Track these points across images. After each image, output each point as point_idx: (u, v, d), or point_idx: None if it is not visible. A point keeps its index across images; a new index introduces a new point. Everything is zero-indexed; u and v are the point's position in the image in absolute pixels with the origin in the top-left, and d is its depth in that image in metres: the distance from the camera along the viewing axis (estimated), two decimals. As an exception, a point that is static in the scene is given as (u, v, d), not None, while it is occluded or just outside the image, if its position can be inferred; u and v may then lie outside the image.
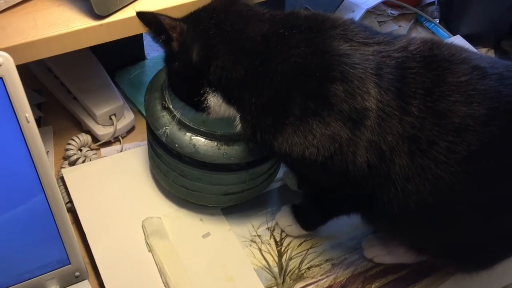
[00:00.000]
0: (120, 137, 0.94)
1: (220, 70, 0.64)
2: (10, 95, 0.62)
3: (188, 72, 0.66)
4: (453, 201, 0.62)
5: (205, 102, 0.68)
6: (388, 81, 0.59)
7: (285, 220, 0.82)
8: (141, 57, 1.06)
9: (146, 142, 0.93)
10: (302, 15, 0.66)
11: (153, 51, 1.08)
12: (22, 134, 0.63)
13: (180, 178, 0.78)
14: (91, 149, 0.92)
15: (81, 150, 0.91)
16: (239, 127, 0.68)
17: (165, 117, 0.75)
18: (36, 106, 0.97)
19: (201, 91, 0.67)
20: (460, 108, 0.58)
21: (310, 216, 0.80)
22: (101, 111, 0.90)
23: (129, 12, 0.70)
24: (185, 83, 0.68)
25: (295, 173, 0.78)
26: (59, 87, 0.95)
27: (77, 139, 0.90)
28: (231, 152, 0.73)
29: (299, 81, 0.61)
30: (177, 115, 0.73)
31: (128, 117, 0.94)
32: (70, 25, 0.67)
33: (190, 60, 0.65)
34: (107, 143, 0.94)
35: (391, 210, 0.64)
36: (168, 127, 0.74)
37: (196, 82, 0.67)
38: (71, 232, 0.70)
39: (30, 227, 0.69)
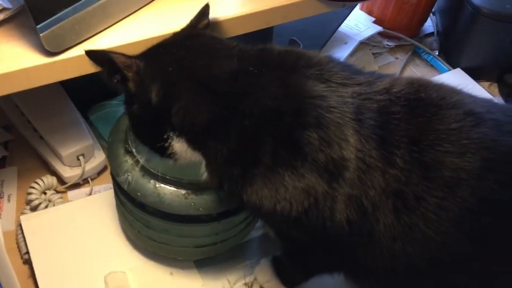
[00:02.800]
0: (89, 179, 0.87)
1: (183, 112, 0.57)
2: None
3: (148, 114, 0.59)
4: (445, 264, 0.54)
5: (170, 148, 0.60)
6: (369, 128, 0.52)
7: (264, 275, 0.74)
8: (117, 91, 0.99)
9: (116, 184, 0.86)
10: (275, 51, 0.59)
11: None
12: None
13: (145, 229, 0.70)
14: (57, 192, 0.85)
15: (45, 194, 0.83)
16: (205, 175, 0.60)
17: (128, 162, 0.67)
18: (2, 144, 0.90)
19: (164, 136, 0.59)
20: (451, 160, 0.50)
21: (291, 272, 0.72)
22: (67, 151, 0.83)
23: (87, 47, 0.64)
24: (147, 127, 0.61)
25: (269, 226, 0.70)
26: (26, 125, 0.88)
27: (40, 182, 0.83)
28: (200, 202, 0.65)
29: (270, 126, 0.54)
30: (140, 160, 0.66)
31: (98, 157, 0.87)
32: (20, 63, 0.61)
33: (150, 101, 0.57)
34: (75, 186, 0.86)
35: (376, 271, 0.55)
36: (131, 173, 0.67)
37: (158, 126, 0.59)
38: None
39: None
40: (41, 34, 0.58)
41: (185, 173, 0.66)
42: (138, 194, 0.66)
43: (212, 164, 0.58)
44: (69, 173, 0.84)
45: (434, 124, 0.51)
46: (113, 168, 0.68)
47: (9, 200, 0.84)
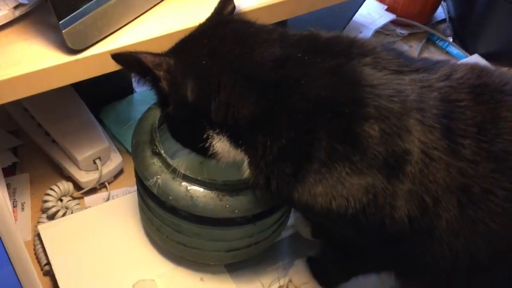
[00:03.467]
0: (106, 183, 0.83)
1: (224, 107, 0.52)
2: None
3: (185, 114, 0.55)
4: (509, 259, 0.51)
5: (211, 148, 0.56)
6: (432, 117, 0.48)
7: (300, 276, 0.71)
8: (129, 90, 0.95)
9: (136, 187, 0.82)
10: (323, 37, 0.54)
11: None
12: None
13: (175, 234, 0.67)
14: (73, 199, 0.81)
15: (61, 201, 0.79)
16: (247, 173, 0.56)
17: (156, 164, 0.64)
18: (11, 150, 0.86)
19: (204, 136, 0.55)
20: None
21: (331, 273, 0.69)
22: (83, 155, 0.79)
23: (110, 44, 0.60)
24: (185, 128, 0.57)
25: (317, 225, 0.66)
26: (36, 129, 0.84)
27: (56, 188, 0.79)
28: (235, 204, 0.62)
29: (325, 118, 0.50)
30: (170, 162, 0.62)
31: (115, 160, 0.83)
32: (38, 63, 0.57)
33: (185, 99, 0.53)
34: (92, 191, 0.82)
35: (434, 269, 0.52)
36: (160, 176, 0.63)
37: (196, 126, 0.55)
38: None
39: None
40: (63, 31, 0.54)
41: (219, 173, 0.63)
42: (170, 198, 0.62)
43: (258, 162, 0.53)
44: (86, 178, 0.80)
45: (501, 111, 0.48)
46: (140, 171, 0.64)
47: (23, 209, 0.80)
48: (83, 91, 0.85)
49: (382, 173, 0.48)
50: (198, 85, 0.53)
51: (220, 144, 0.54)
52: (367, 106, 0.48)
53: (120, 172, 0.85)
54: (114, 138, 0.89)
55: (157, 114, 0.67)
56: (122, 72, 0.91)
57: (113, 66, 0.62)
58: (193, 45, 0.55)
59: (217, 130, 0.54)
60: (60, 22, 0.54)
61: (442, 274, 0.53)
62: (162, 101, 0.56)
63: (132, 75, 0.57)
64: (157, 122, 0.66)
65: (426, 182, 0.48)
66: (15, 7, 0.57)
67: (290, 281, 0.72)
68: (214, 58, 0.53)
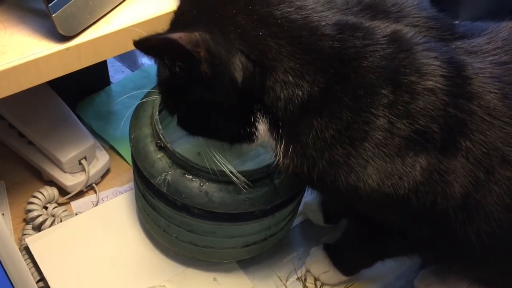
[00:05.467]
0: (94, 185, 0.75)
1: (280, 86, 0.45)
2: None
3: (231, 98, 0.46)
4: None
5: (255, 134, 0.48)
6: (489, 82, 0.45)
7: (319, 266, 0.67)
8: (105, 81, 0.88)
9: (127, 187, 0.76)
10: None
11: (118, 73, 0.89)
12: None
13: (186, 234, 0.61)
14: (59, 205, 0.73)
15: (46, 208, 0.71)
16: (280, 160, 0.49)
17: (162, 160, 0.57)
18: (-21, 156, 0.77)
19: (247, 121, 0.47)
20: None
21: (353, 259, 0.65)
22: (67, 157, 0.71)
23: (104, 27, 0.52)
24: (226, 115, 0.48)
25: (346, 209, 0.61)
26: (8, 131, 0.75)
27: (40, 195, 0.71)
28: (255, 196, 0.57)
29: (386, 92, 0.44)
30: (179, 156, 0.56)
31: (101, 159, 0.76)
32: (26, 54, 0.49)
33: (233, 81, 0.44)
34: (78, 194, 0.75)
35: (481, 248, 0.50)
36: (169, 172, 0.57)
37: (243, 110, 0.47)
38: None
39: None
40: (53, 15, 0.47)
41: (233, 164, 0.57)
42: (183, 196, 0.56)
43: (305, 147, 0.47)
44: (72, 181, 0.73)
45: None
46: (144, 168, 0.58)
47: (2, 219, 0.71)
48: (55, 86, 0.77)
49: (438, 150, 0.45)
50: (250, 61, 0.44)
51: (263, 127, 0.48)
52: (429, 80, 0.44)
53: (107, 171, 0.78)
54: (96, 135, 0.81)
55: (153, 104, 0.61)
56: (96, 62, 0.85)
57: (108, 53, 0.55)
58: (230, 11, 0.45)
59: (262, 113, 0.47)
60: (49, 5, 0.46)
61: (487, 254, 0.51)
62: (196, 90, 0.47)
63: (157, 63, 0.48)
64: (156, 113, 0.59)
65: (481, 155, 0.45)
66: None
67: (308, 271, 0.68)
68: (265, 26, 0.44)
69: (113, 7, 0.53)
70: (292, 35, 0.44)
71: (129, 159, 0.79)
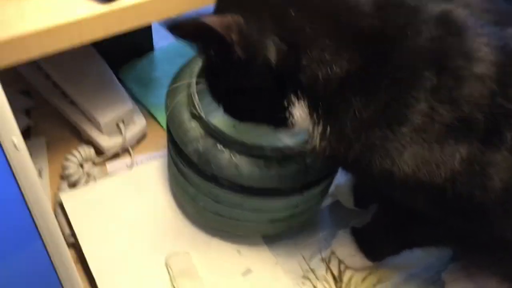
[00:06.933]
0: (129, 148, 0.77)
1: (316, 65, 0.44)
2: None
3: (266, 81, 0.45)
4: None
5: (290, 117, 0.47)
6: None
7: (344, 249, 0.66)
8: (149, 47, 0.88)
9: (161, 153, 0.77)
10: None
11: (162, 39, 0.90)
12: (10, 167, 0.46)
13: (213, 204, 0.61)
14: (95, 165, 0.75)
15: (82, 167, 0.73)
16: (316, 143, 0.48)
17: (196, 129, 0.58)
18: (24, 112, 0.79)
19: (285, 103, 0.47)
20: None
21: (380, 245, 0.64)
22: (106, 118, 0.72)
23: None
24: (261, 98, 0.48)
25: (379, 194, 0.60)
26: (52, 89, 0.77)
27: (77, 154, 0.72)
28: (284, 173, 0.56)
29: (429, 75, 0.43)
30: (212, 126, 0.56)
31: (138, 123, 0.77)
32: (68, 13, 0.50)
33: (268, 63, 0.44)
34: (114, 156, 0.76)
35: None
36: (201, 142, 0.57)
37: (278, 92, 0.46)
38: (77, 285, 0.54)
39: (27, 281, 0.52)
40: (97, -25, 0.47)
41: (267, 139, 0.57)
42: (212, 166, 0.56)
43: (339, 127, 0.46)
44: (109, 142, 0.74)
45: None
46: (177, 136, 0.58)
47: (40, 176, 0.74)
48: (100, 49, 0.78)
49: (480, 140, 0.43)
50: (284, 41, 0.43)
51: (299, 111, 0.46)
52: (477, 61, 0.42)
53: (143, 137, 0.79)
54: (135, 100, 0.82)
55: (193, 71, 0.60)
56: (141, 27, 0.86)
57: (148, 16, 0.55)
58: None
59: (299, 95, 0.46)
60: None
61: None
62: (232, 72, 0.46)
63: (195, 47, 0.48)
64: (194, 81, 0.59)
65: None
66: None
67: (333, 253, 0.67)
68: (297, 5, 0.43)
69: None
70: (327, 13, 0.43)
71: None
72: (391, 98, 0.43)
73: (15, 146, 0.45)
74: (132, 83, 0.83)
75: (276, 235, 0.67)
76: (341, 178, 0.72)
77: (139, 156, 0.78)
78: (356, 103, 0.43)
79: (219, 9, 0.47)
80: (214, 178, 0.58)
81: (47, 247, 0.51)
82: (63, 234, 0.68)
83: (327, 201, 0.73)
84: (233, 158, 0.56)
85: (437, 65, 0.42)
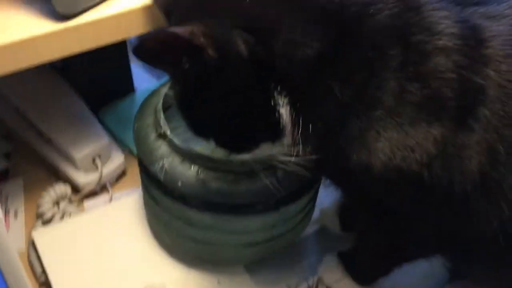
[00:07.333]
0: (108, 184, 0.75)
1: (288, 48, 0.41)
2: None
3: (244, 81, 0.42)
4: None
5: (281, 120, 0.44)
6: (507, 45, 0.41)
7: (332, 274, 0.62)
8: (129, 89, 0.88)
9: (140, 190, 0.74)
10: None
11: (143, 82, 0.90)
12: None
13: (186, 227, 0.58)
14: (71, 202, 0.72)
15: (58, 204, 0.71)
16: (287, 142, 0.46)
17: (161, 148, 0.56)
18: (2, 155, 0.78)
19: (272, 103, 0.43)
20: None
21: (368, 265, 0.60)
22: (81, 153, 0.71)
23: (104, 9, 0.53)
24: (247, 103, 0.44)
25: (361, 201, 0.55)
26: (29, 129, 0.76)
27: (52, 191, 0.70)
28: (255, 188, 0.54)
29: (395, 53, 0.41)
30: (176, 142, 0.54)
31: (116, 159, 0.75)
32: (23, 31, 0.49)
33: (240, 58, 0.41)
34: (92, 194, 0.74)
35: (506, 242, 0.44)
36: (167, 159, 0.55)
37: (260, 95, 0.43)
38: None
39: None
40: (50, -8, 0.47)
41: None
42: (179, 184, 0.54)
43: (321, 122, 0.43)
44: (85, 178, 0.72)
45: None
46: (143, 155, 0.57)
47: (16, 217, 0.72)
48: (80, 90, 0.78)
49: (452, 119, 0.41)
50: (247, 32, 0.41)
51: (285, 111, 0.43)
52: (439, 34, 0.41)
53: (122, 174, 0.78)
54: (116, 138, 0.81)
55: (159, 96, 0.60)
56: (121, 68, 0.86)
57: (108, 37, 0.55)
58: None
59: (280, 90, 0.43)
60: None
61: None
62: (208, 83, 0.43)
63: (169, 74, 0.47)
64: (161, 103, 0.58)
65: (501, 126, 0.41)
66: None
67: (320, 279, 0.63)
68: None
69: (115, -11, 0.54)
70: None
71: (146, 163, 0.78)
72: (364, 80, 0.41)
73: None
74: (112, 123, 0.83)
75: (258, 263, 0.63)
76: (325, 201, 0.69)
77: (117, 193, 0.75)
78: (334, 87, 0.41)
79: (174, 23, 0.46)
80: (182, 197, 0.55)
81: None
82: (35, 273, 0.65)
83: (313, 228, 0.69)
84: (200, 174, 0.54)
85: (401, 41, 0.41)
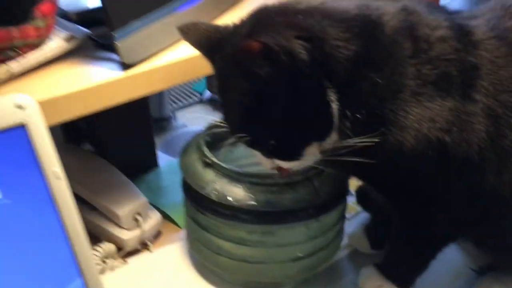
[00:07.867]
0: (148, 243, 0.80)
1: (335, 49, 0.51)
2: (35, 147, 0.51)
3: (303, 81, 0.51)
4: None
5: (333, 116, 0.52)
6: (492, 31, 0.54)
7: (372, 282, 0.67)
8: (154, 164, 0.97)
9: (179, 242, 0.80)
10: None
11: (166, 157, 1.00)
12: (51, 196, 0.52)
13: (238, 248, 0.64)
14: (116, 259, 0.77)
15: (105, 263, 0.76)
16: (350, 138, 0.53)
17: (209, 174, 0.64)
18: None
19: (327, 99, 0.52)
20: None
21: (404, 265, 0.65)
22: (124, 211, 0.77)
23: (155, 61, 0.64)
24: (308, 106, 0.52)
25: (394, 192, 0.62)
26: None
27: (99, 249, 0.75)
28: (297, 195, 0.62)
29: (408, 45, 0.53)
30: (225, 166, 0.63)
31: (154, 217, 0.81)
32: (91, 80, 0.60)
33: (300, 61, 0.50)
34: (134, 252, 0.79)
35: None
36: (217, 182, 0.63)
37: (317, 95, 0.52)
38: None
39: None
40: (117, 43, 0.58)
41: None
42: (230, 199, 0.61)
43: (359, 111, 0.52)
44: (128, 235, 0.78)
45: None
46: (194, 183, 0.64)
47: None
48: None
49: (459, 92, 0.52)
50: (304, 40, 0.51)
51: (335, 106, 0.52)
52: (437, 28, 0.53)
53: (159, 233, 0.83)
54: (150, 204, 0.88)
55: (198, 139, 0.69)
56: (148, 146, 0.96)
57: (159, 85, 0.65)
58: (269, 18, 0.54)
59: (331, 86, 0.52)
60: (114, 34, 0.58)
61: None
62: (270, 91, 0.52)
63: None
64: (203, 142, 0.67)
65: (497, 94, 0.52)
66: (68, 39, 0.62)
67: (361, 289, 0.68)
68: (303, 12, 0.52)
69: (172, 42, 0.65)
70: (324, 12, 0.53)
71: (180, 223, 0.84)
72: (391, 70, 0.52)
73: (55, 175, 0.51)
74: (144, 189, 0.90)
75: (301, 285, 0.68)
76: (352, 226, 0.76)
77: (158, 250, 0.80)
78: (373, 77, 0.52)
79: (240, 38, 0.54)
80: (232, 212, 0.62)
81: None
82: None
83: (344, 252, 0.75)
84: (248, 189, 0.62)
85: (410, 36, 0.53)
